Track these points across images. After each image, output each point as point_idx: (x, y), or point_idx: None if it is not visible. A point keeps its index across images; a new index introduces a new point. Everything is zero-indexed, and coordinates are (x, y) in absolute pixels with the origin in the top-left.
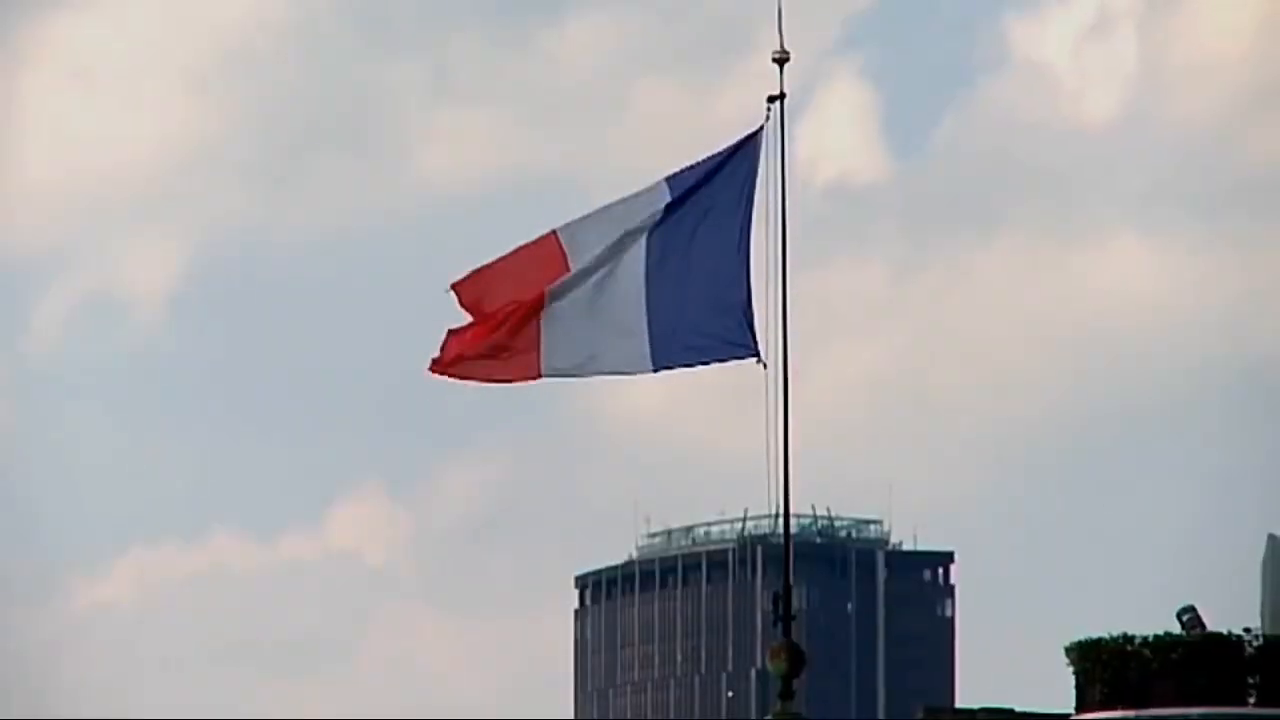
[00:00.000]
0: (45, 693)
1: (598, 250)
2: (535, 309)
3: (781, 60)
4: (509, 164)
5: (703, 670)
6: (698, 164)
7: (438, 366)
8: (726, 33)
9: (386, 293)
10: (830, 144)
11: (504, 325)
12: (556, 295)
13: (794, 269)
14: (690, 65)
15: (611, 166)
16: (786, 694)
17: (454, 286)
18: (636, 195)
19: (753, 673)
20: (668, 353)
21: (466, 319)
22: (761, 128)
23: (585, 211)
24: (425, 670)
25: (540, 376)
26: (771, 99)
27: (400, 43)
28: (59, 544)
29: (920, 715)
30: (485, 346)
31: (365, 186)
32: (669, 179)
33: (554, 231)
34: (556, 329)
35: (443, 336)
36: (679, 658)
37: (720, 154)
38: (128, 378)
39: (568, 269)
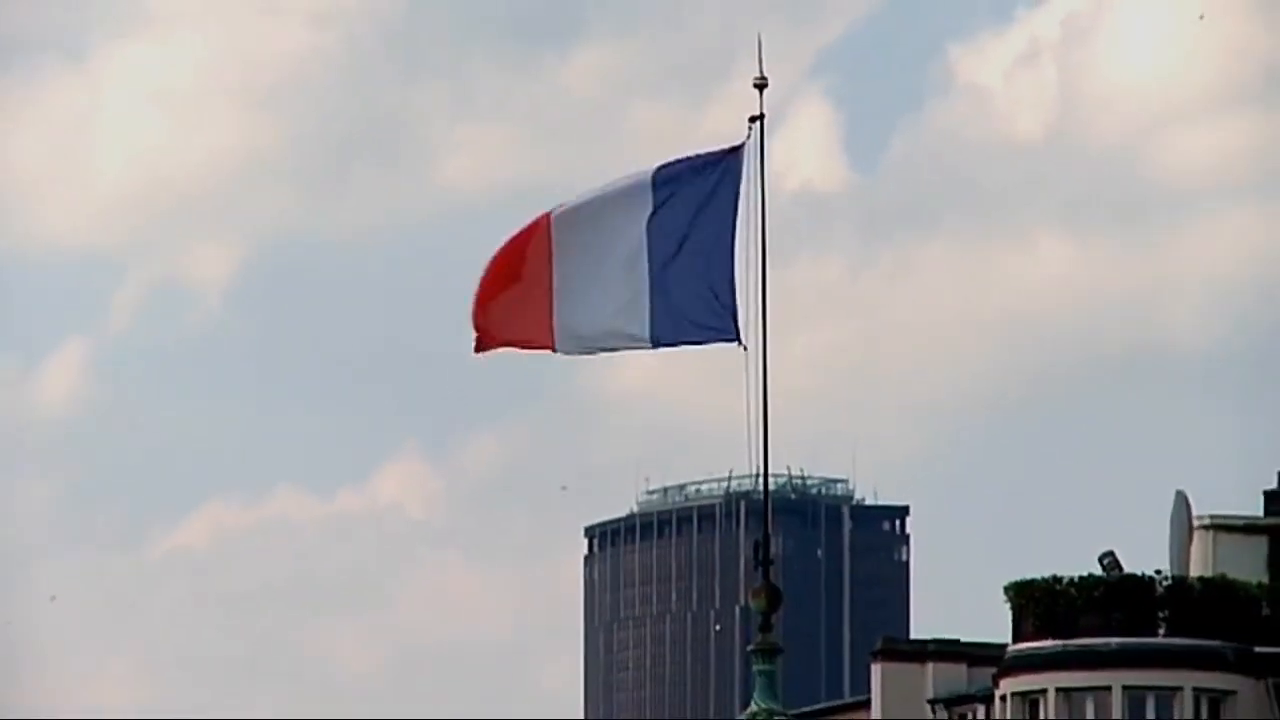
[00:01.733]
0: (135, 621)
1: (593, 231)
2: (547, 289)
3: (761, 85)
4: (520, 172)
5: (694, 607)
6: (683, 158)
7: (482, 346)
8: (712, 61)
9: (416, 283)
10: (799, 157)
11: (523, 296)
12: (566, 276)
13: (768, 264)
14: (680, 89)
15: (610, 176)
16: (766, 627)
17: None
18: (627, 179)
19: (737, 609)
20: (664, 333)
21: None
22: (744, 143)
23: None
24: (456, 607)
25: (555, 350)
26: (752, 119)
27: (427, 68)
28: (144, 499)
29: (880, 645)
30: (505, 312)
31: (396, 192)
32: (657, 168)
33: (549, 213)
34: (566, 310)
35: (470, 317)
36: (674, 597)
37: (705, 156)
38: (195, 356)
39: (552, 245)
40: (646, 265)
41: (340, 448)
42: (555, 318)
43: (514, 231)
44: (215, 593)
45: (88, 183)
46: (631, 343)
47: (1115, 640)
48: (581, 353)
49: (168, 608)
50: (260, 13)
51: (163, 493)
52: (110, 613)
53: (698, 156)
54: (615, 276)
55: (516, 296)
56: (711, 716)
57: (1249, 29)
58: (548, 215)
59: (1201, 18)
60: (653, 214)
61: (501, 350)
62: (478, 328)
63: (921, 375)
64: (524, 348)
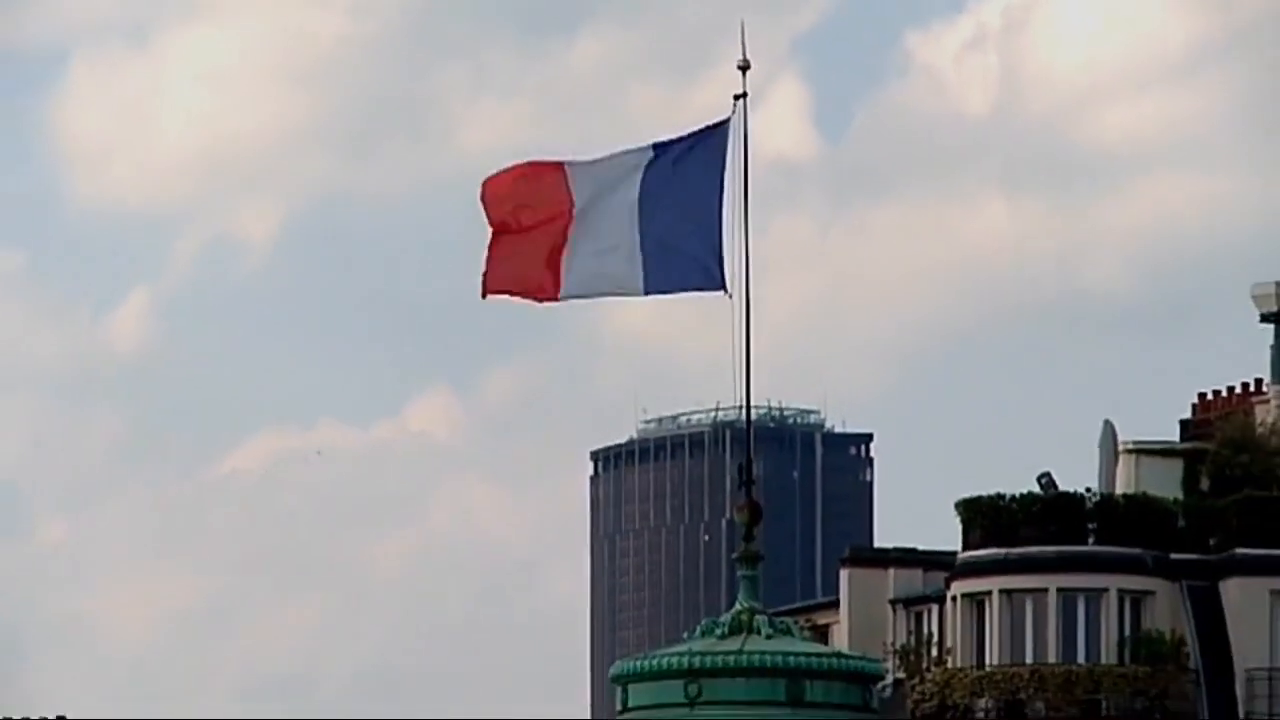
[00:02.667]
0: (196, 533)
1: (597, 192)
2: (558, 243)
3: (744, 68)
4: (531, 142)
5: (686, 521)
6: (680, 137)
7: (488, 291)
8: (701, 46)
9: (440, 238)
10: (775, 130)
11: (531, 251)
12: (575, 232)
13: (750, 222)
14: (673, 70)
15: (611, 145)
16: (748, 538)
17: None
18: (629, 150)
19: (723, 523)
20: (657, 282)
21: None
22: (729, 119)
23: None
24: (478, 522)
25: (559, 299)
26: (736, 97)
27: (450, 51)
28: (203, 428)
29: (847, 553)
30: (516, 264)
31: (422, 158)
32: (655, 144)
33: (564, 164)
34: (572, 261)
35: (483, 266)
36: (668, 512)
37: (697, 132)
38: (246, 302)
39: (571, 202)
40: (641, 222)
41: (375, 383)
42: (562, 267)
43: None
44: (266, 512)
45: (151, 149)
46: (627, 291)
47: (1051, 549)
48: (581, 298)
49: (225, 523)
50: (305, 3)
51: (220, 423)
52: (175, 527)
53: (691, 134)
54: (614, 232)
55: (523, 247)
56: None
57: (1162, 19)
58: (561, 167)
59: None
60: (646, 177)
61: (507, 297)
62: (486, 274)
63: (882, 319)
64: (528, 297)
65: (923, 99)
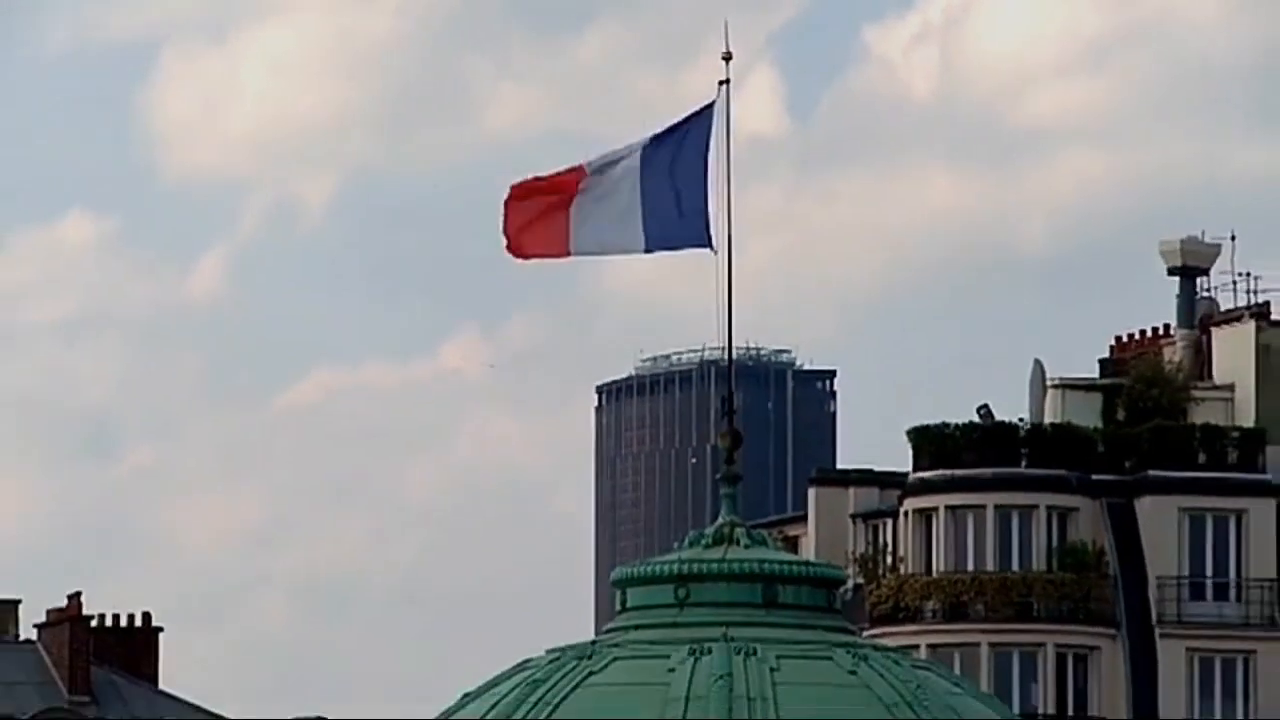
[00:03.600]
0: (261, 460)
1: (605, 164)
2: (566, 205)
3: (727, 58)
4: (546, 121)
5: (676, 446)
6: (671, 126)
7: (513, 251)
8: (690, 39)
9: (468, 204)
10: (753, 111)
11: (544, 214)
12: (581, 194)
13: (732, 189)
14: (666, 59)
15: (615, 125)
16: (729, 461)
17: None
18: (632, 144)
19: (708, 448)
20: (654, 241)
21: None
22: (714, 102)
23: (602, 152)
24: (499, 448)
25: (570, 255)
26: (720, 83)
27: (475, 44)
28: (267, 367)
29: (814, 474)
30: (532, 229)
31: (453, 136)
32: (653, 136)
33: (583, 164)
34: (580, 220)
35: (503, 229)
36: (661, 438)
37: (686, 118)
38: (304, 258)
39: (584, 175)
40: (641, 189)
41: (414, 328)
42: (570, 229)
43: (549, 174)
44: (321, 439)
45: (226, 128)
46: (629, 248)
47: (988, 471)
48: (589, 255)
49: (285, 451)
50: (355, 5)
51: (282, 362)
52: (242, 454)
53: (680, 121)
54: (619, 198)
55: (535, 210)
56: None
57: (1079, 16)
58: (582, 170)
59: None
60: (646, 152)
61: (528, 259)
62: (509, 239)
63: (843, 272)
64: (545, 257)
65: (877, 85)
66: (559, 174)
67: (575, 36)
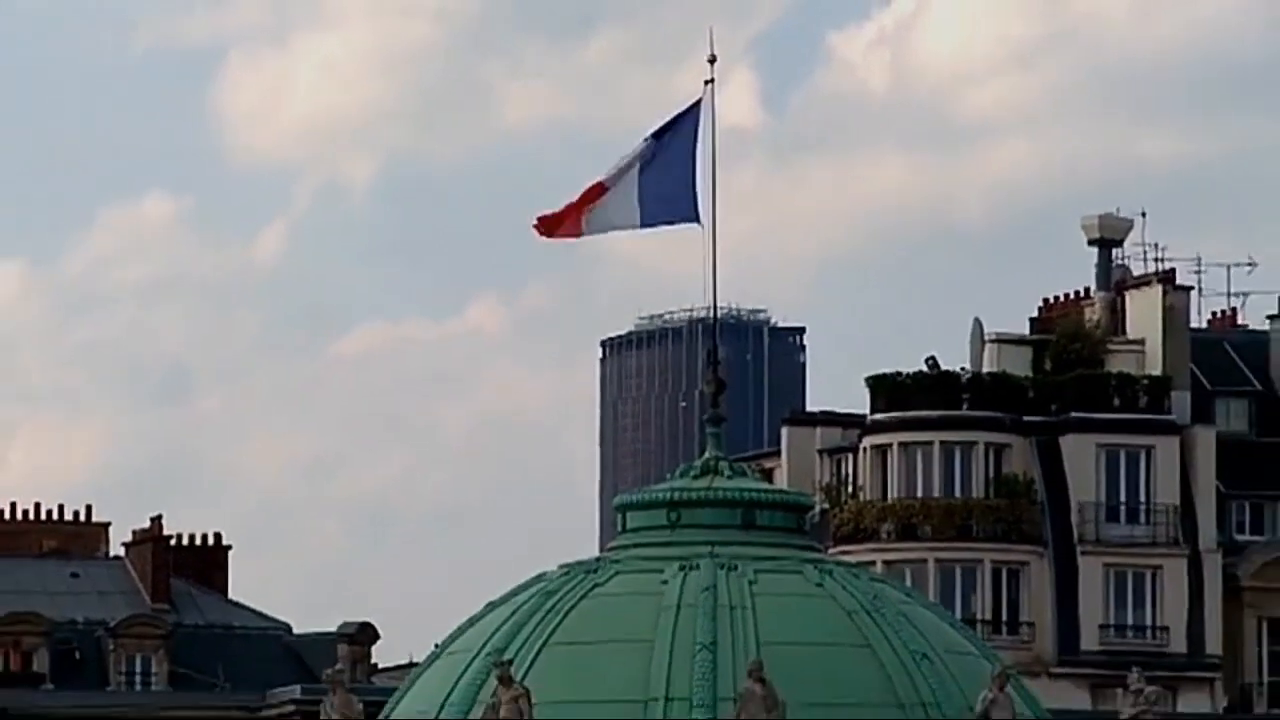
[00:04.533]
0: (313, 403)
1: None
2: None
3: (712, 60)
4: (556, 117)
5: (669, 391)
6: (665, 124)
7: (542, 231)
8: (681, 44)
9: (490, 188)
10: (732, 106)
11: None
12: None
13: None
14: (660, 60)
15: (616, 118)
16: (714, 404)
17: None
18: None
19: (696, 393)
20: (651, 216)
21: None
22: (701, 99)
23: (602, 144)
24: (517, 393)
25: (582, 235)
26: (706, 82)
27: (495, 48)
28: (319, 323)
29: (786, 415)
30: (558, 219)
31: (475, 127)
32: (653, 133)
33: (603, 180)
34: (593, 211)
35: (537, 217)
36: (656, 385)
37: (678, 114)
38: (350, 231)
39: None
40: (638, 174)
41: (444, 291)
42: (584, 213)
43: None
44: (366, 386)
45: (283, 118)
46: (629, 225)
47: (935, 413)
48: (596, 233)
49: (335, 394)
50: (396, 12)
51: (332, 318)
52: (298, 397)
53: (674, 117)
54: (620, 186)
55: (565, 216)
56: (680, 461)
57: (1011, 21)
58: (601, 186)
59: None
60: (644, 140)
61: (552, 239)
62: (545, 221)
63: (811, 244)
64: (562, 237)
65: (840, 83)
66: (583, 194)
67: (580, 42)
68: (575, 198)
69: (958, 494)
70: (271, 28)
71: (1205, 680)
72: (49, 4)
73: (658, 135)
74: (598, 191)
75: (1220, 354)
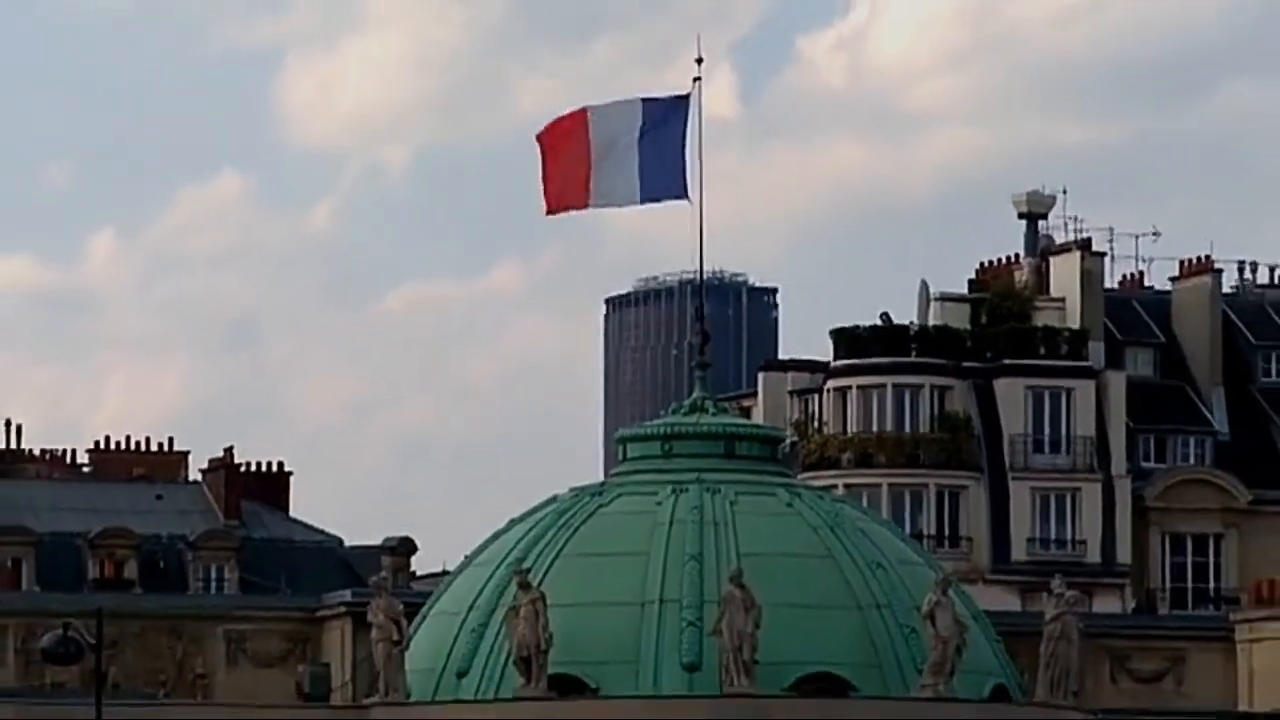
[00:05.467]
0: (358, 350)
1: (610, 137)
2: (586, 171)
3: (699, 61)
4: (565, 108)
5: (663, 342)
6: (658, 98)
7: (549, 209)
8: (673, 47)
9: (508, 167)
10: (715, 100)
11: (570, 177)
12: (596, 163)
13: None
14: (656, 61)
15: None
16: (701, 353)
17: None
18: (628, 100)
19: (686, 344)
20: (648, 192)
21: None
22: (690, 93)
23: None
24: (534, 343)
25: (588, 208)
26: (694, 79)
27: (513, 49)
28: (366, 282)
29: (762, 363)
30: (563, 189)
31: (495, 117)
32: (643, 99)
33: (585, 108)
34: (595, 183)
35: (541, 186)
36: (652, 336)
37: (668, 98)
38: (390, 205)
39: (589, 138)
40: (637, 156)
41: (471, 255)
42: (589, 189)
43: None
44: (405, 337)
45: (334, 110)
46: (629, 201)
47: (888, 359)
48: (602, 206)
49: (381, 344)
50: (429, 20)
51: (376, 280)
52: (349, 346)
53: (667, 97)
54: (620, 163)
55: (564, 173)
56: (671, 400)
57: (954, 26)
58: (585, 111)
59: None
60: (641, 128)
61: (560, 214)
62: (547, 200)
63: (782, 217)
64: (571, 209)
65: (806, 80)
66: (571, 113)
67: (585, 45)
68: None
69: (907, 429)
70: (323, 34)
71: (1116, 586)
72: (140, 13)
73: (649, 104)
74: (583, 118)
75: (1129, 310)
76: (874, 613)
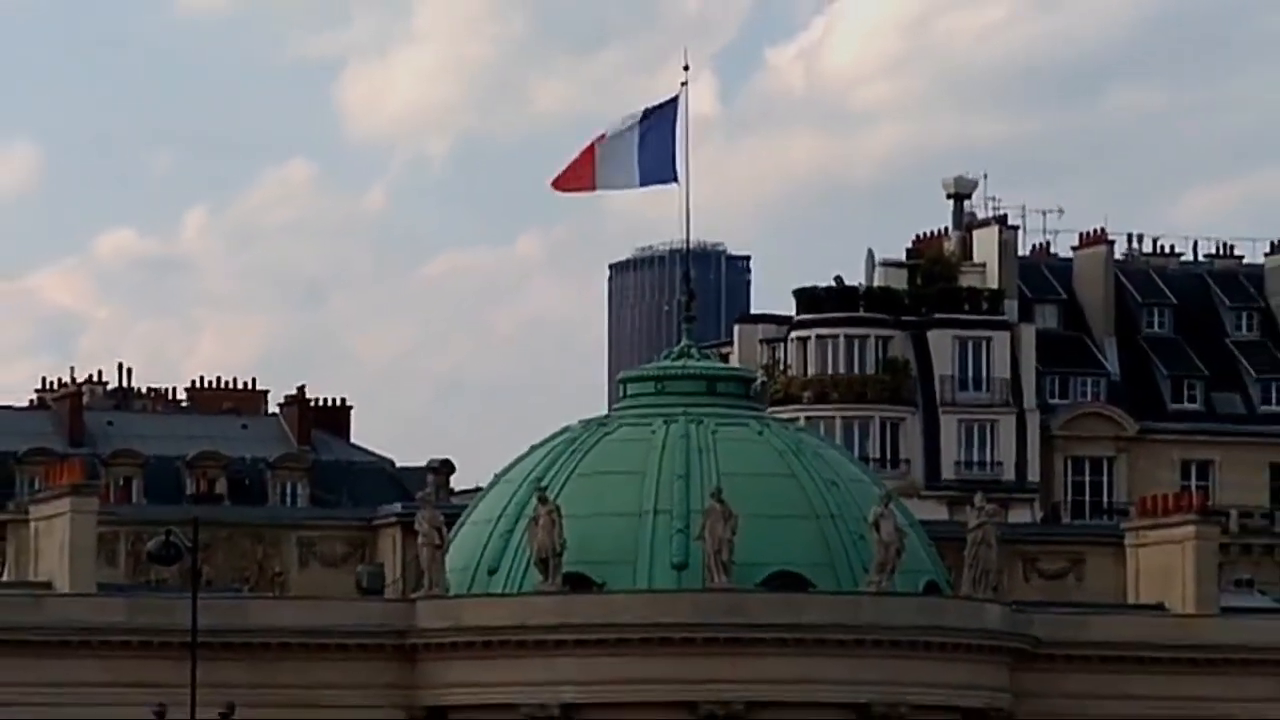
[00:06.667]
0: (406, 304)
1: (617, 135)
2: (591, 162)
3: (686, 68)
4: (576, 106)
5: (656, 299)
6: (655, 105)
7: (557, 186)
8: (664, 56)
9: (529, 156)
10: (698, 101)
11: (578, 166)
12: (599, 158)
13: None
14: (650, 68)
15: (617, 108)
16: (688, 309)
17: (555, 183)
18: (631, 114)
19: (675, 301)
20: (644, 177)
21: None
22: (678, 95)
23: (605, 128)
24: (551, 301)
25: (595, 190)
26: (682, 84)
27: (532, 58)
28: (412, 251)
29: (737, 316)
30: (574, 175)
31: (517, 116)
32: (644, 109)
33: (604, 132)
34: (600, 169)
35: (556, 176)
36: (647, 295)
37: (661, 104)
38: (433, 185)
39: (596, 157)
40: (637, 146)
41: (499, 228)
42: (595, 174)
43: (581, 150)
44: (444, 295)
45: (386, 108)
46: (629, 184)
47: (842, 314)
48: (607, 189)
49: (426, 301)
50: (465, 35)
51: (422, 249)
52: (400, 304)
53: (658, 105)
54: (622, 153)
55: (577, 170)
56: (662, 349)
57: (893, 39)
58: (602, 137)
59: None
60: (640, 126)
61: (569, 193)
62: (560, 179)
63: (752, 197)
64: (579, 191)
65: (772, 84)
66: (584, 152)
67: (592, 54)
68: (578, 157)
69: (856, 371)
70: (377, 46)
71: (1027, 500)
72: (229, 27)
73: (645, 115)
74: (590, 159)
75: (1038, 274)
76: (829, 522)
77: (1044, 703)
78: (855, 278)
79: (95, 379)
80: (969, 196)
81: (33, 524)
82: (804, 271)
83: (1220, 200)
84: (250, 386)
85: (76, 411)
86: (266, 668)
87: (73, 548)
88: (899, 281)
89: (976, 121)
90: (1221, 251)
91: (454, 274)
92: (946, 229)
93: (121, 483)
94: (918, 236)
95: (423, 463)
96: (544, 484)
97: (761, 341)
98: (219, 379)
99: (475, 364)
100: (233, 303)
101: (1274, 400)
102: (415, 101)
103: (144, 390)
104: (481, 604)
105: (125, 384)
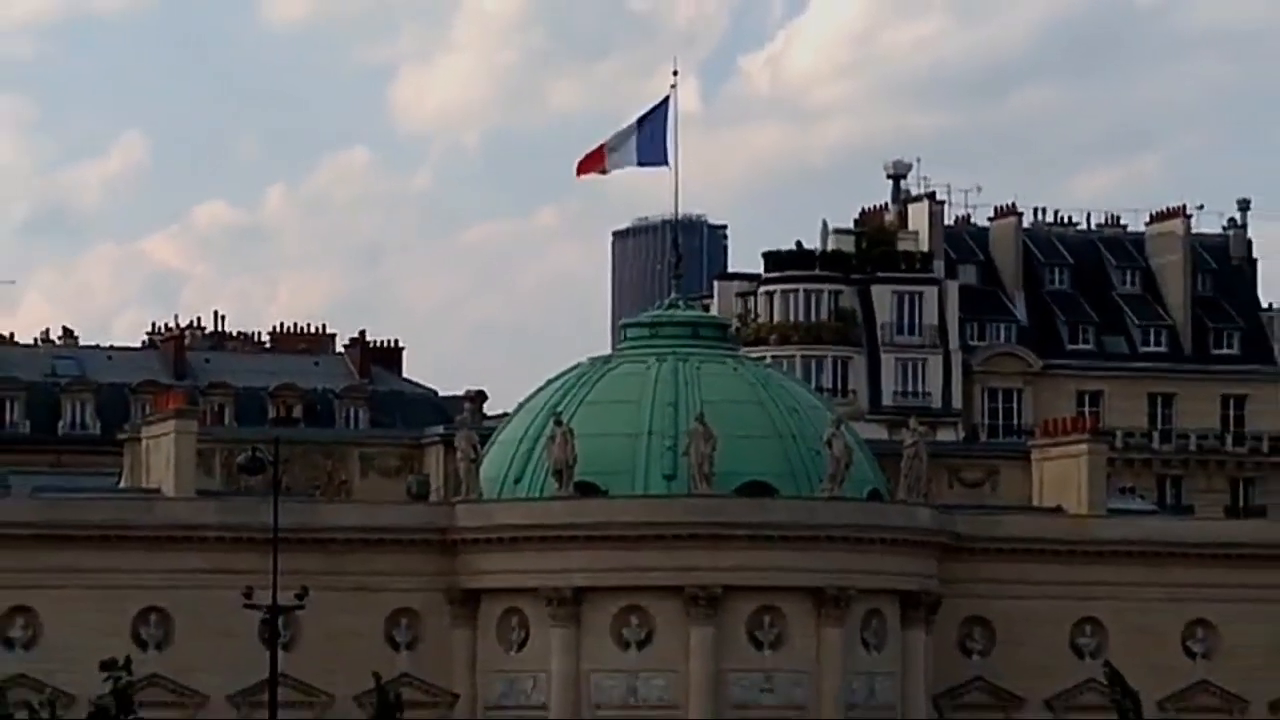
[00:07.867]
0: (456, 265)
1: (618, 135)
2: (603, 153)
3: (675, 73)
4: (583, 106)
5: (652, 260)
6: (648, 111)
7: (580, 170)
8: (657, 63)
9: (548, 147)
10: (684, 99)
11: (593, 157)
12: (611, 148)
13: (679, 137)
14: (645, 73)
15: (617, 107)
16: (677, 268)
17: (577, 170)
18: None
19: (666, 262)
20: (643, 160)
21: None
22: (669, 95)
23: (609, 123)
24: (568, 262)
25: (607, 172)
26: (672, 85)
27: (547, 66)
28: (454, 222)
29: (717, 273)
30: (590, 163)
31: (537, 112)
32: (638, 118)
33: (604, 144)
34: (610, 155)
35: (576, 163)
36: (644, 257)
37: (654, 105)
38: (469, 168)
39: (606, 149)
40: (636, 133)
41: (524, 202)
42: (607, 160)
43: (592, 148)
44: (479, 257)
45: (427, 105)
46: (631, 164)
47: (801, 272)
48: (616, 168)
49: (465, 260)
50: (495, 45)
51: (460, 220)
52: (447, 264)
53: (652, 107)
54: (625, 145)
55: (593, 160)
56: (656, 300)
57: (846, 47)
58: (605, 147)
59: None
60: (639, 122)
61: (586, 175)
62: (580, 166)
63: (729, 177)
64: (594, 173)
65: (743, 88)
66: (598, 147)
67: (598, 61)
68: (593, 150)
69: (813, 319)
70: (422, 53)
71: (952, 423)
72: (302, 35)
73: (640, 120)
74: (602, 152)
75: (961, 240)
76: (791, 441)
77: (965, 586)
78: (812, 243)
79: (195, 325)
80: (905, 177)
81: (145, 442)
82: (771, 237)
83: (1109, 179)
84: (320, 331)
85: (179, 351)
86: (334, 558)
87: (177, 461)
88: (848, 246)
89: (912, 116)
90: (1110, 221)
91: (486, 239)
92: (887, 204)
93: (216, 409)
94: (863, 210)
95: (461, 392)
96: (559, 410)
97: (736, 295)
98: (295, 324)
99: (504, 312)
100: (306, 262)
101: (1152, 343)
102: (453, 99)
103: (234, 334)
104: (509, 507)
105: (219, 329)
